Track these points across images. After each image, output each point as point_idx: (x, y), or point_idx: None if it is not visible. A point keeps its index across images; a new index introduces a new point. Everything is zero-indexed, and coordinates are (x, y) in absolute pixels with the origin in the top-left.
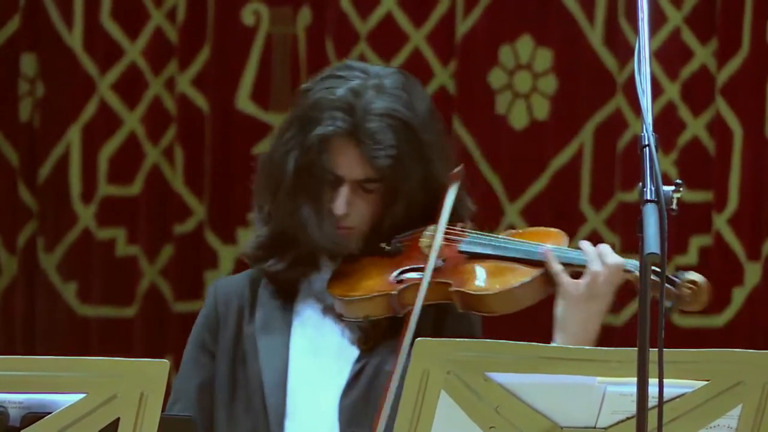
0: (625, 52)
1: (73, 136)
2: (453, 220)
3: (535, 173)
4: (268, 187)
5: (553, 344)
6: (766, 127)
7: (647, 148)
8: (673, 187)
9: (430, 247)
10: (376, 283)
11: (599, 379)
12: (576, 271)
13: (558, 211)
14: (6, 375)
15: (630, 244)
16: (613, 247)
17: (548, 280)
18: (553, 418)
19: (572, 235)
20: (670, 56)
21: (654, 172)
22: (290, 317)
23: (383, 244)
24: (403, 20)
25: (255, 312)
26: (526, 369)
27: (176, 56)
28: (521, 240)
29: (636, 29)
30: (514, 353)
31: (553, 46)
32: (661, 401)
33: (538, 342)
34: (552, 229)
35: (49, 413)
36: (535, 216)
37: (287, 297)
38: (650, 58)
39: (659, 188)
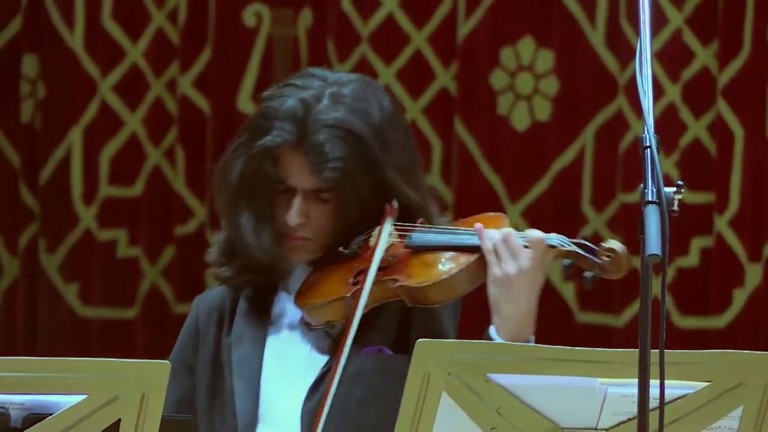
0: (626, 53)
1: (75, 137)
2: (412, 216)
3: (536, 174)
4: (217, 193)
5: (491, 327)
6: (767, 129)
7: (648, 149)
8: (674, 189)
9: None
10: (335, 288)
11: (600, 380)
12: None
13: (559, 213)
14: (7, 376)
15: (631, 246)
16: None
17: (485, 264)
18: (554, 420)
19: (573, 237)
20: (671, 57)
21: (655, 174)
22: (266, 325)
23: (341, 248)
24: (404, 21)
25: (233, 322)
26: (527, 370)
27: (177, 57)
28: (464, 228)
29: (637, 30)
30: (515, 354)
31: (555, 47)
32: (662, 402)
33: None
34: (495, 214)
35: (51, 414)
36: (537, 217)
37: (265, 304)
38: (651, 59)
39: (660, 189)
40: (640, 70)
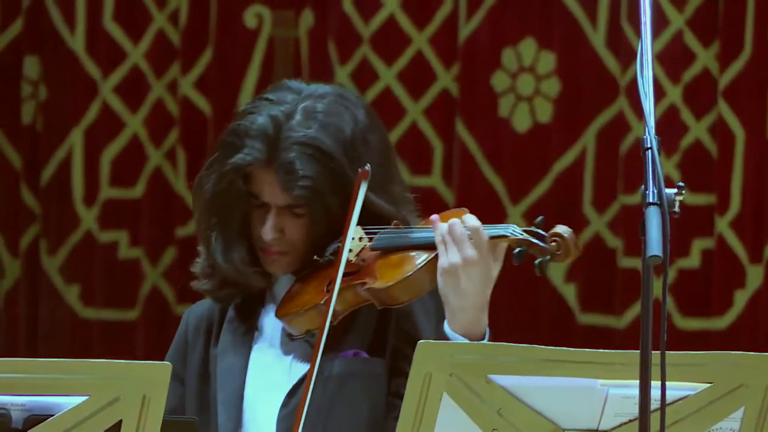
0: (627, 54)
1: (76, 138)
2: (380, 221)
3: (537, 176)
4: (193, 210)
5: (444, 321)
6: (767, 130)
7: (650, 150)
8: (675, 190)
9: (349, 251)
10: (310, 297)
11: (601, 381)
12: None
13: (561, 214)
14: (8, 377)
15: (632, 247)
16: (615, 251)
17: None
18: (555, 421)
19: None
20: (672, 59)
21: (656, 175)
22: (252, 334)
23: (316, 257)
24: (405, 23)
25: (220, 333)
26: (528, 371)
27: (179, 59)
28: (426, 227)
29: (638, 32)
30: (516, 356)
31: (556, 49)
32: (663, 404)
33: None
34: (458, 209)
35: (52, 416)
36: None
37: (252, 315)
38: (652, 60)
39: (662, 191)
40: (641, 72)
